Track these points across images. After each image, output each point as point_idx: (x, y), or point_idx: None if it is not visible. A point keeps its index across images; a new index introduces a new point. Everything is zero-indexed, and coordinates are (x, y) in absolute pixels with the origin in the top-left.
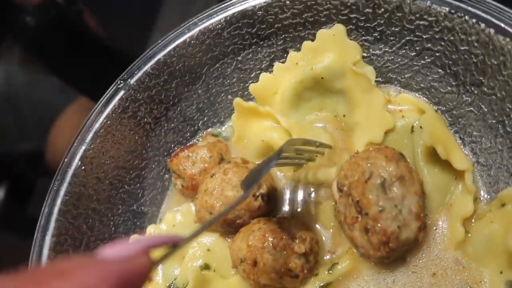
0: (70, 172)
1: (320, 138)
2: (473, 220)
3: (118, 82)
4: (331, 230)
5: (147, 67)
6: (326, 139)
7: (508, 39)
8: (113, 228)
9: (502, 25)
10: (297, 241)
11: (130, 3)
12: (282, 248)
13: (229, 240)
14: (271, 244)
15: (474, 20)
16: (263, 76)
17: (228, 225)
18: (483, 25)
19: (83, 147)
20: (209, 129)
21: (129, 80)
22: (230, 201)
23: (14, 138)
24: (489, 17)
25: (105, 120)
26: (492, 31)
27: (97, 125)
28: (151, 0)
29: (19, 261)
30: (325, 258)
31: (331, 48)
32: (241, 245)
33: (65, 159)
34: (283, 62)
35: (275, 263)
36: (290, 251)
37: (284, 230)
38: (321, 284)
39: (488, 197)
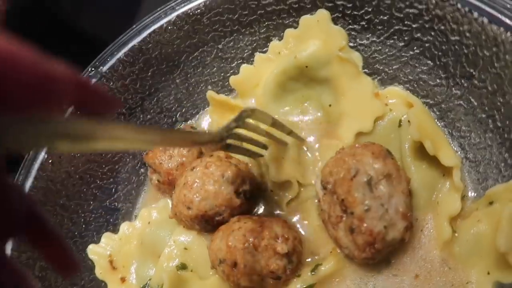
0: (36, 165)
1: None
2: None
3: (89, 70)
4: (314, 230)
5: (120, 53)
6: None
7: (502, 29)
8: (83, 226)
9: (496, 14)
10: (279, 240)
11: None
12: (263, 249)
13: (207, 238)
14: (252, 245)
15: (466, 9)
16: (244, 68)
17: (206, 222)
18: (476, 14)
19: None
20: (188, 122)
21: (101, 67)
22: (210, 195)
23: None
24: (482, 6)
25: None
26: (485, 20)
27: (66, 115)
28: None
29: None
30: (308, 259)
31: (315, 35)
32: (221, 245)
33: (30, 152)
34: (265, 52)
35: (256, 265)
36: (272, 252)
37: (265, 229)
38: (304, 286)
39: (475, 194)
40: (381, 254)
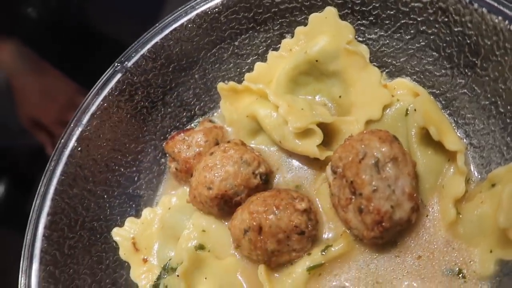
0: (67, 152)
1: (316, 113)
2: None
3: (115, 65)
4: (326, 213)
5: (144, 50)
6: (324, 114)
7: (500, 18)
8: (108, 210)
9: (495, 4)
10: (296, 201)
11: None
12: (284, 207)
13: (225, 223)
14: (273, 205)
15: (467, 0)
16: (258, 65)
17: (224, 203)
18: (476, 5)
19: (80, 129)
20: (206, 115)
21: (126, 63)
22: (230, 176)
23: (14, 133)
24: None
25: (101, 103)
26: (485, 10)
27: (93, 107)
28: None
29: (18, 257)
30: (323, 237)
31: (324, 31)
32: (243, 216)
33: (62, 140)
34: (279, 48)
35: (280, 222)
36: (293, 209)
37: (282, 193)
38: (311, 265)
39: (480, 178)
40: (389, 233)
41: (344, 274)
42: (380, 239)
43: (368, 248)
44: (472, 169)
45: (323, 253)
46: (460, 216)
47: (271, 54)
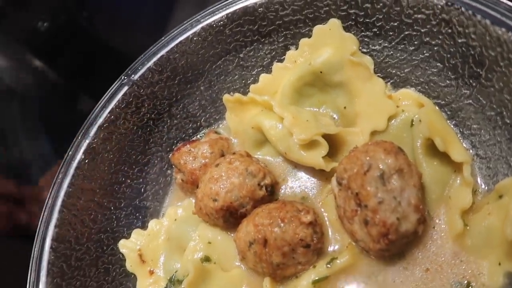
0: (74, 165)
1: (321, 124)
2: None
3: (122, 78)
4: (332, 225)
5: (150, 63)
6: (329, 125)
7: (504, 29)
8: (115, 222)
9: (498, 15)
10: (302, 213)
11: (140, 8)
12: (289, 220)
13: (230, 234)
14: (278, 218)
15: (470, 12)
16: (263, 77)
17: (230, 214)
18: (479, 16)
19: (87, 141)
20: (213, 127)
21: (132, 76)
22: (236, 187)
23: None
24: (485, 8)
25: (108, 115)
26: (488, 22)
27: (101, 120)
28: (162, 5)
29: (26, 269)
30: (328, 250)
31: (328, 43)
32: (248, 229)
33: (69, 152)
34: (284, 60)
35: (285, 235)
36: (298, 222)
37: (287, 205)
38: (316, 278)
39: (487, 189)
40: (396, 246)
41: (350, 286)
42: (386, 251)
43: (375, 260)
44: (479, 180)
45: (328, 265)
46: (468, 227)
47: (276, 65)
